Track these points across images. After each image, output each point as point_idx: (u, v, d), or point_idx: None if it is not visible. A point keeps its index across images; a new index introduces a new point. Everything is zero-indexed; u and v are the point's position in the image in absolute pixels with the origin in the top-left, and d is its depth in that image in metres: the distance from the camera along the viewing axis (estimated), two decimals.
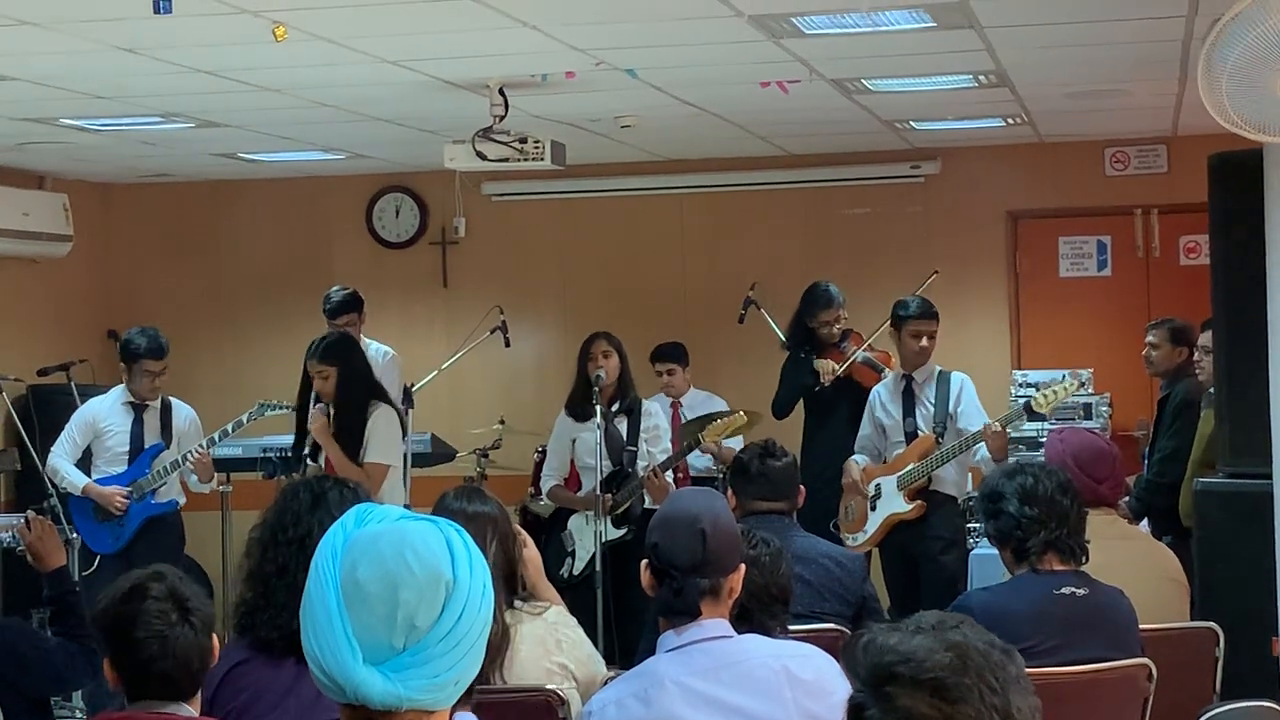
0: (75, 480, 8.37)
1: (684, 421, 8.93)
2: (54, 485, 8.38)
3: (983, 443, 7.58)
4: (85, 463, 8.48)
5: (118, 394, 8.52)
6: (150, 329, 8.50)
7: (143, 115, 8.22)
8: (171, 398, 8.62)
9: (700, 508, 3.71)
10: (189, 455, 8.33)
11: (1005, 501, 4.54)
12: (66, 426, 8.52)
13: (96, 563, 8.22)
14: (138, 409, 8.47)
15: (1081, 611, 4.41)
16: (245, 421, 8.46)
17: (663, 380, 9.21)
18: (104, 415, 8.48)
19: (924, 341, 7.91)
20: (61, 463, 8.41)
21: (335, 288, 9.50)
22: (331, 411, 7.53)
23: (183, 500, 8.60)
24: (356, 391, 7.57)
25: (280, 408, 8.34)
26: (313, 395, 7.65)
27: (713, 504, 3.77)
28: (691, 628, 3.63)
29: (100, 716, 3.55)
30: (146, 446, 8.44)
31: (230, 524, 8.97)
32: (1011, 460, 5.20)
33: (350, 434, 7.49)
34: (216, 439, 8.42)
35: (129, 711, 3.45)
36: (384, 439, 7.55)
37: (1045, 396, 7.47)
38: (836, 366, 8.55)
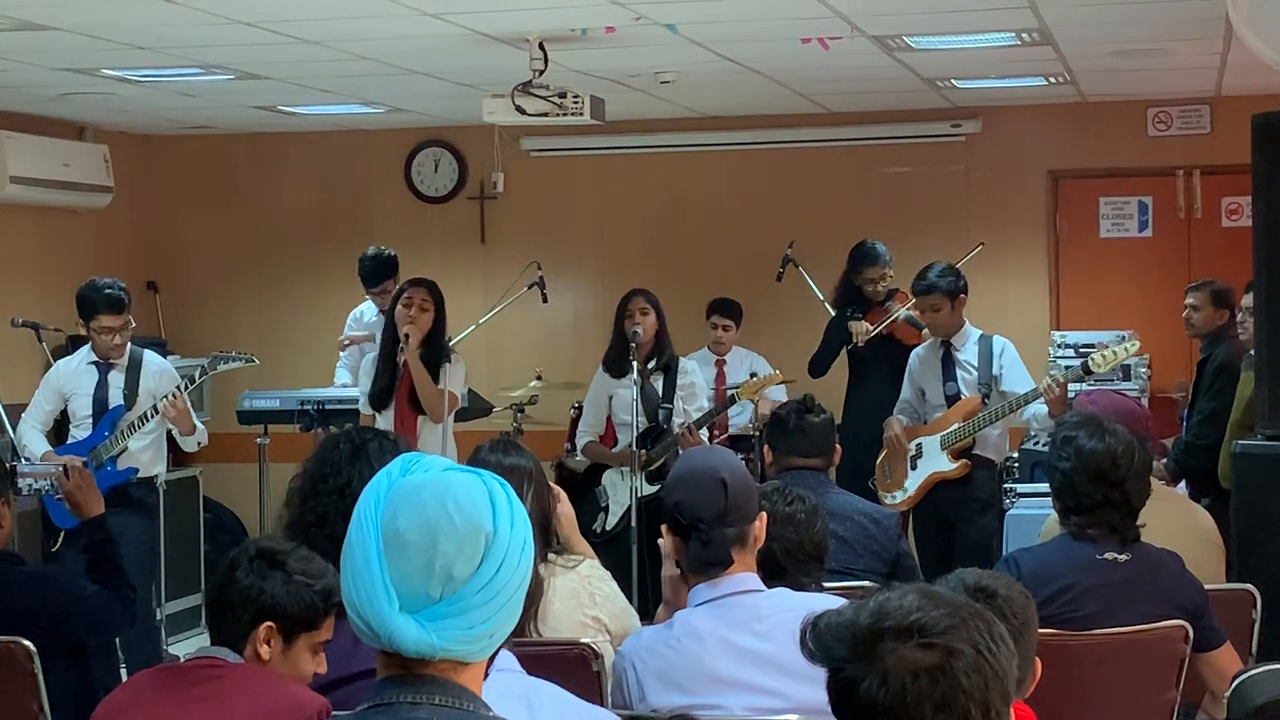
0: (34, 449, 7.66)
1: (728, 384, 8.94)
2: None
3: (1036, 401, 7.54)
4: (66, 428, 7.83)
5: (84, 353, 7.82)
6: (109, 279, 7.76)
7: (183, 66, 8.22)
8: (145, 351, 7.96)
9: (716, 460, 3.81)
10: (158, 407, 7.62)
11: (1077, 471, 4.41)
12: (37, 390, 7.94)
13: (61, 538, 7.49)
14: (102, 369, 7.76)
15: (1122, 578, 4.38)
16: (197, 378, 7.78)
17: (716, 334, 9.23)
18: (68, 378, 7.80)
19: (928, 315, 7.88)
20: (26, 429, 7.78)
21: (370, 251, 9.46)
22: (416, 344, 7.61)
23: (158, 471, 7.92)
24: (442, 329, 7.75)
25: (237, 359, 7.83)
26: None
27: (725, 456, 3.88)
28: (725, 580, 3.66)
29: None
30: (110, 409, 7.73)
31: (268, 476, 9.00)
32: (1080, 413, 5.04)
33: (432, 366, 7.65)
34: (185, 388, 7.66)
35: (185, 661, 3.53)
36: (459, 375, 7.82)
37: (1104, 356, 7.42)
38: (870, 328, 8.54)
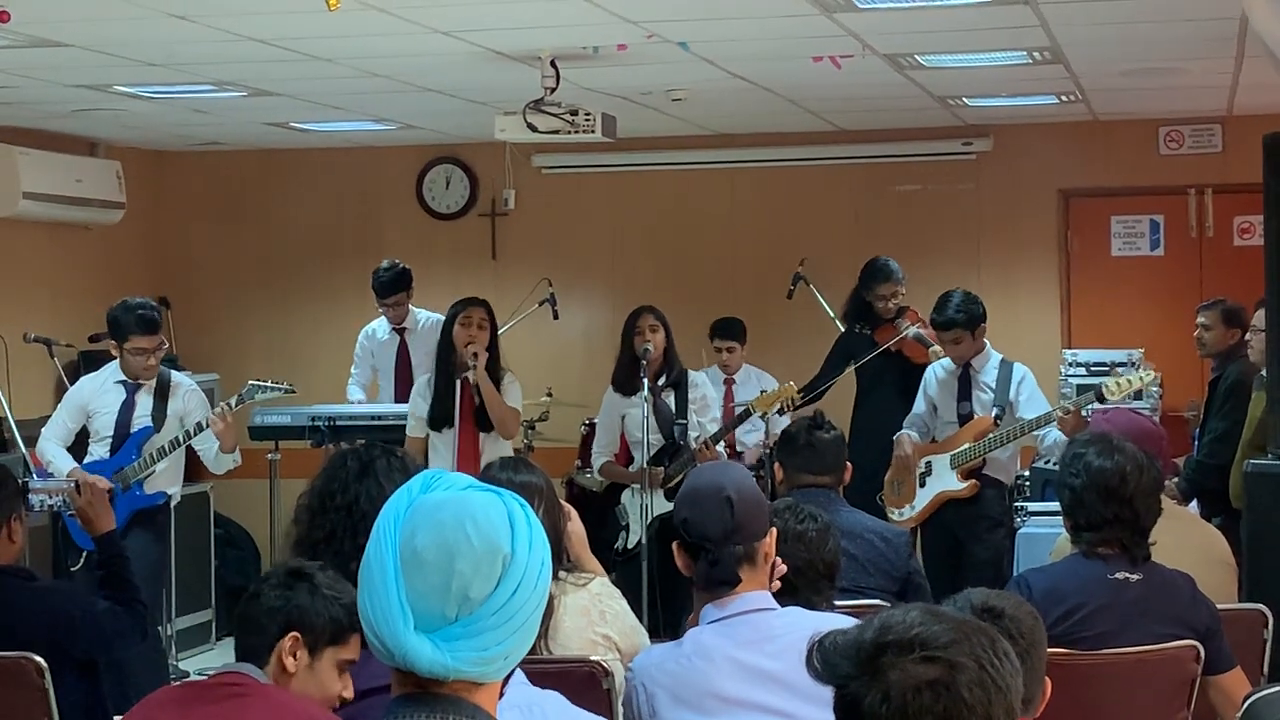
0: (60, 465, 7.57)
1: (736, 402, 8.92)
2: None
3: (1053, 424, 7.55)
4: (85, 444, 7.81)
5: (110, 371, 7.78)
6: (140, 300, 7.78)
7: (196, 83, 8.24)
8: (174, 372, 7.92)
9: (723, 477, 3.77)
10: (202, 424, 7.61)
11: (1087, 488, 4.42)
12: (58, 406, 7.93)
13: (83, 559, 7.36)
14: (130, 388, 7.71)
15: (1133, 597, 4.37)
16: (234, 405, 7.74)
17: (721, 357, 9.21)
18: (93, 395, 7.74)
19: (948, 347, 7.93)
20: (48, 445, 7.68)
21: (385, 264, 9.49)
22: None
23: (173, 491, 7.87)
24: (496, 346, 7.80)
25: (275, 388, 7.84)
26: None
27: (734, 473, 3.84)
28: (734, 600, 3.65)
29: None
30: (134, 430, 7.68)
31: (278, 492, 9.00)
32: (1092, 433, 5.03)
33: (494, 381, 7.70)
34: (232, 406, 7.70)
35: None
36: (519, 392, 7.91)
37: (1119, 384, 7.42)
38: (796, 397, 8.39)
